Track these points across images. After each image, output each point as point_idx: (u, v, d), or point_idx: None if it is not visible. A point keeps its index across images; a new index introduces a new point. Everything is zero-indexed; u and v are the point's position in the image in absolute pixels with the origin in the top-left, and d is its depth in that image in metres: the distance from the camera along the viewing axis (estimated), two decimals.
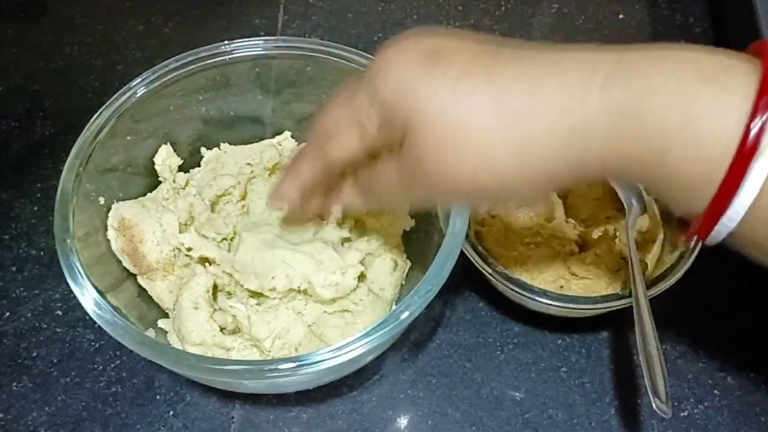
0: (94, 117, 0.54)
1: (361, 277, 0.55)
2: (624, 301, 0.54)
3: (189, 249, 0.56)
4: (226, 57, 0.58)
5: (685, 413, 0.57)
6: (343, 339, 0.46)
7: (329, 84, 0.60)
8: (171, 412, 0.57)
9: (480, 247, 0.56)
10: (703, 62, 0.34)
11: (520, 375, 0.59)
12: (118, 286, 0.55)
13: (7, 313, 0.61)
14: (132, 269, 0.56)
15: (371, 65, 0.40)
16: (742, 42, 0.64)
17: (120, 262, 0.56)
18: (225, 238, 0.57)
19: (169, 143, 0.60)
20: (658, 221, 0.61)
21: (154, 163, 0.60)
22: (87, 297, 0.48)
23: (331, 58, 0.58)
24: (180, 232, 0.56)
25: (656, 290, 0.54)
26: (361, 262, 0.55)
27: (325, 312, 0.54)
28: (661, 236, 0.60)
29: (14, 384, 0.58)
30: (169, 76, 0.56)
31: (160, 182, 0.60)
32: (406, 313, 0.47)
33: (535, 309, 0.57)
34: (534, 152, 0.36)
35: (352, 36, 0.77)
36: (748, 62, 0.33)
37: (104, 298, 0.48)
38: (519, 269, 0.58)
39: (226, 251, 0.56)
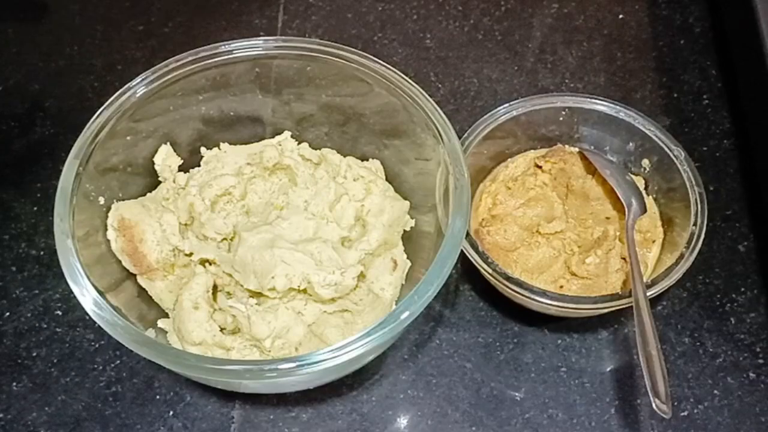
0: (94, 117, 0.54)
1: (361, 277, 0.55)
2: (624, 301, 0.54)
3: (189, 254, 0.56)
4: (226, 57, 0.58)
5: (685, 413, 0.57)
6: (343, 339, 0.46)
7: (329, 84, 0.60)
8: (171, 412, 0.57)
9: (480, 247, 0.56)
10: None
11: (520, 375, 0.59)
12: (118, 286, 0.55)
13: (7, 313, 0.61)
14: (132, 269, 0.56)
15: None
16: (742, 42, 0.65)
17: (120, 262, 0.56)
18: (225, 238, 0.56)
19: (169, 143, 0.60)
20: (658, 221, 0.61)
21: (154, 163, 0.60)
22: (87, 297, 0.48)
23: (331, 58, 0.58)
24: (180, 232, 0.56)
25: (656, 290, 0.54)
26: (361, 262, 0.55)
27: (325, 312, 0.54)
28: (661, 236, 0.60)
29: (14, 384, 0.58)
30: (169, 76, 0.56)
31: (160, 182, 0.60)
32: (406, 313, 0.47)
33: (535, 309, 0.57)
34: None
35: (352, 36, 0.77)
36: None
37: (104, 298, 0.48)
38: (519, 269, 0.58)
39: (226, 251, 0.56)
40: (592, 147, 0.64)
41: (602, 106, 0.62)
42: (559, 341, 0.60)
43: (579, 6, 0.79)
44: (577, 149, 0.64)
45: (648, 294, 0.53)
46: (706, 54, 0.75)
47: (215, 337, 0.53)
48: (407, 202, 0.60)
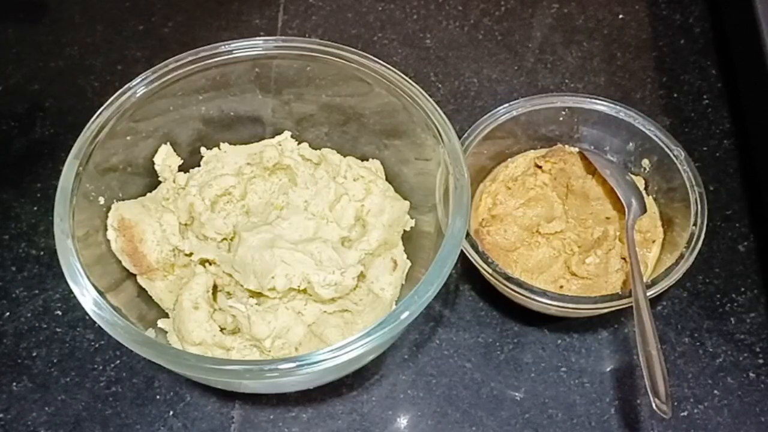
0: (94, 117, 0.54)
1: (361, 277, 0.55)
2: (624, 301, 0.54)
3: (189, 254, 0.56)
4: (226, 57, 0.58)
5: (685, 413, 0.57)
6: (343, 339, 0.46)
7: (329, 84, 0.60)
8: (171, 412, 0.57)
9: (480, 247, 0.56)
10: None
11: (520, 375, 0.59)
12: (118, 286, 0.55)
13: (7, 313, 0.61)
14: (132, 269, 0.56)
15: None
16: (742, 42, 0.65)
17: (120, 262, 0.56)
18: (225, 238, 0.57)
19: (169, 143, 0.60)
20: (658, 221, 0.61)
21: (154, 163, 0.60)
22: (87, 297, 0.48)
23: (331, 58, 0.58)
24: (180, 232, 0.56)
25: (656, 290, 0.54)
26: (361, 262, 0.55)
27: (325, 312, 0.54)
28: (661, 236, 0.60)
29: (14, 384, 0.58)
30: (169, 76, 0.56)
31: (160, 182, 0.60)
32: (406, 313, 0.47)
33: (535, 309, 0.57)
34: None
35: (352, 36, 0.77)
36: None
37: (104, 298, 0.48)
38: (519, 269, 0.58)
39: (226, 251, 0.56)
40: (592, 147, 0.64)
41: (602, 106, 0.62)
42: (559, 341, 0.60)
43: (579, 6, 0.79)
44: (577, 149, 0.64)
45: (648, 294, 0.53)
46: (706, 54, 0.75)
47: (215, 337, 0.53)
48: (407, 202, 0.60)
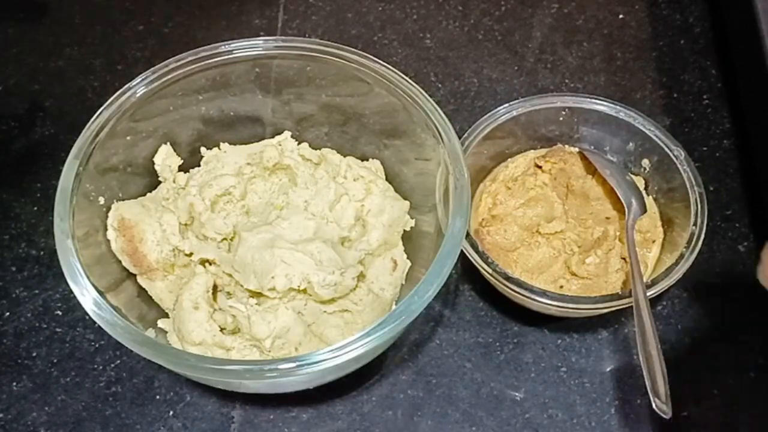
0: (94, 117, 0.54)
1: (361, 277, 0.55)
2: (624, 301, 0.54)
3: (189, 254, 0.56)
4: (226, 57, 0.58)
5: (685, 413, 0.57)
6: (343, 339, 0.46)
7: (329, 84, 0.60)
8: (171, 412, 0.57)
9: (480, 247, 0.56)
10: None
11: (520, 375, 0.59)
12: (118, 286, 0.55)
13: (7, 313, 0.61)
14: (132, 269, 0.56)
15: None
16: (742, 42, 0.64)
17: (120, 262, 0.56)
18: (225, 238, 0.57)
19: (169, 143, 0.60)
20: (658, 221, 0.61)
21: (154, 163, 0.60)
22: (87, 297, 0.48)
23: (331, 58, 0.58)
24: (180, 232, 0.56)
25: (656, 290, 0.54)
26: (361, 262, 0.55)
27: (325, 312, 0.54)
28: (661, 236, 0.60)
29: (14, 384, 0.58)
30: (169, 76, 0.56)
31: (160, 182, 0.60)
32: (406, 313, 0.47)
33: (535, 309, 0.57)
34: None
35: (352, 36, 0.77)
36: None
37: (104, 298, 0.48)
38: (519, 269, 0.58)
39: (226, 251, 0.56)
40: (592, 147, 0.64)
41: (602, 106, 0.62)
42: (559, 341, 0.60)
43: (579, 6, 0.79)
44: (577, 149, 0.64)
45: (648, 294, 0.53)
46: (706, 54, 0.75)
47: (215, 337, 0.53)
48: (407, 202, 0.60)
